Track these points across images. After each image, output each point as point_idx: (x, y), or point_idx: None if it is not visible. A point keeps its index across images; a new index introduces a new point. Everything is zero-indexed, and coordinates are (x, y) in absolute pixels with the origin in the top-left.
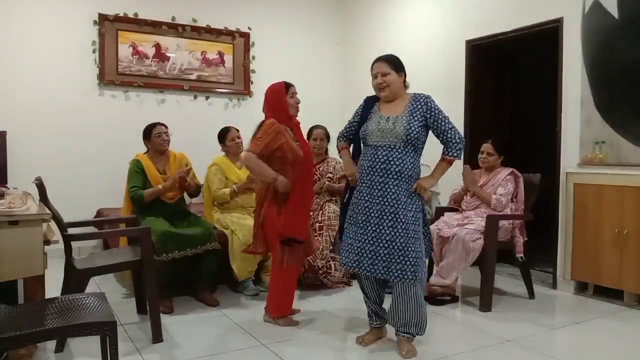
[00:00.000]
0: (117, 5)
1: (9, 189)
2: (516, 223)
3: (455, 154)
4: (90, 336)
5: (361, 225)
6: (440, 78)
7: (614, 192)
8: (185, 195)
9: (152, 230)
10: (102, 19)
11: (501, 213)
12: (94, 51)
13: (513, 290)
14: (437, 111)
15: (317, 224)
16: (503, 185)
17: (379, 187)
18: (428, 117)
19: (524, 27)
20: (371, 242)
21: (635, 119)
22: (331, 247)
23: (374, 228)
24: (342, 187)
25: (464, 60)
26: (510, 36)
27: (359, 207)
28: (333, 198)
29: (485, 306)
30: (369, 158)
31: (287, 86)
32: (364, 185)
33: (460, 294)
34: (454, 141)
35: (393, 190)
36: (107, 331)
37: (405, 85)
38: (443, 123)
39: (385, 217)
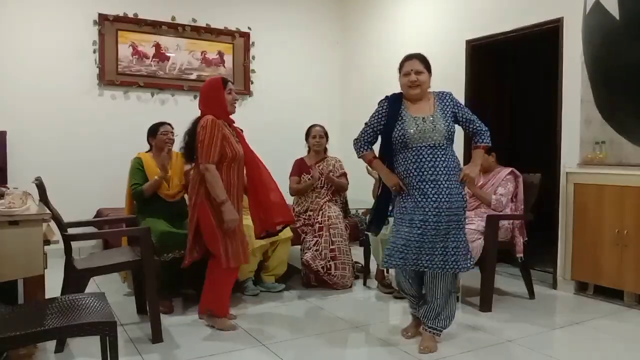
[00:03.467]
0: (117, 5)
1: (9, 189)
2: (516, 223)
3: (488, 140)
4: (90, 336)
5: (419, 225)
6: (440, 78)
7: (614, 192)
8: (186, 195)
9: (152, 230)
10: (102, 19)
11: (501, 213)
12: (94, 51)
13: (513, 290)
14: (462, 105)
15: (317, 225)
16: (503, 185)
17: (440, 185)
18: (457, 112)
19: (524, 27)
20: (439, 239)
21: (637, 118)
22: (331, 248)
23: (445, 225)
24: (341, 181)
25: (464, 60)
26: (510, 36)
27: (417, 210)
28: (333, 198)
29: (486, 306)
30: (413, 160)
31: (225, 82)
32: (414, 188)
33: (460, 294)
34: (483, 129)
35: (448, 185)
36: (107, 331)
37: None
38: (469, 115)
39: (454, 213)
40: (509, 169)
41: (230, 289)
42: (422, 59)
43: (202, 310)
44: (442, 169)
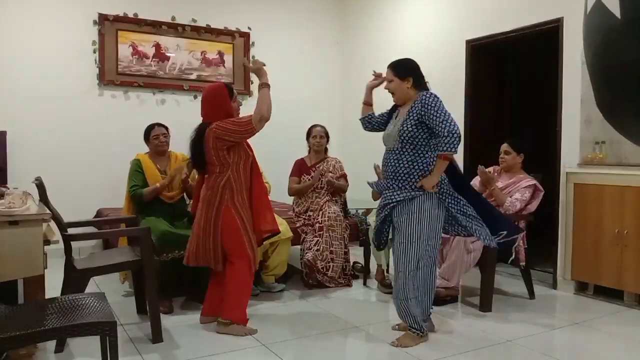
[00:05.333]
0: (117, 5)
1: (9, 189)
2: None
3: (445, 149)
4: (90, 336)
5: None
6: (440, 78)
7: (614, 192)
8: (185, 195)
9: (152, 230)
10: (102, 19)
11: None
12: (94, 51)
13: (513, 290)
14: (429, 107)
15: (317, 225)
16: (521, 193)
17: (387, 188)
18: (422, 113)
19: (524, 27)
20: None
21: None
22: (331, 248)
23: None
24: (342, 184)
25: (464, 60)
26: (510, 36)
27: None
28: (333, 198)
29: (486, 306)
30: (383, 162)
31: (230, 90)
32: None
33: (460, 294)
34: (442, 135)
35: (388, 193)
36: (107, 331)
37: (423, 87)
38: (433, 118)
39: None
40: (533, 182)
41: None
42: (393, 67)
43: (226, 316)
44: (390, 174)
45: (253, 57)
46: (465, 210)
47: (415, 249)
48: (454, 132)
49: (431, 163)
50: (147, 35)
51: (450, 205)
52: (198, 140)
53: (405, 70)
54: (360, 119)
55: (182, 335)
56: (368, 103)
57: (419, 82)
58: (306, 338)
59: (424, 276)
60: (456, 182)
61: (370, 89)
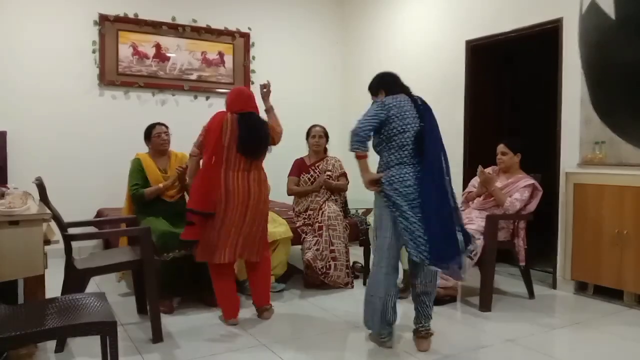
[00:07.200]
0: (117, 5)
1: (9, 189)
2: (520, 232)
3: (350, 146)
4: (90, 336)
5: None
6: (439, 78)
7: (614, 192)
8: (186, 195)
9: (152, 230)
10: (102, 19)
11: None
12: (94, 51)
13: (513, 290)
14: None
15: (317, 224)
16: (520, 192)
17: None
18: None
19: (523, 27)
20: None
21: (633, 119)
22: (331, 249)
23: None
24: (340, 184)
25: (464, 60)
26: (510, 36)
27: None
28: (332, 197)
29: (485, 306)
30: None
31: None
32: None
33: (460, 294)
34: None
35: None
36: (107, 331)
37: (389, 93)
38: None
39: None
40: (531, 181)
41: None
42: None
43: (267, 301)
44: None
45: (253, 57)
46: (404, 215)
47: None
48: (351, 131)
49: (382, 163)
50: (148, 36)
51: (397, 218)
52: (264, 126)
53: (371, 88)
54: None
55: (182, 335)
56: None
57: (377, 92)
58: (306, 338)
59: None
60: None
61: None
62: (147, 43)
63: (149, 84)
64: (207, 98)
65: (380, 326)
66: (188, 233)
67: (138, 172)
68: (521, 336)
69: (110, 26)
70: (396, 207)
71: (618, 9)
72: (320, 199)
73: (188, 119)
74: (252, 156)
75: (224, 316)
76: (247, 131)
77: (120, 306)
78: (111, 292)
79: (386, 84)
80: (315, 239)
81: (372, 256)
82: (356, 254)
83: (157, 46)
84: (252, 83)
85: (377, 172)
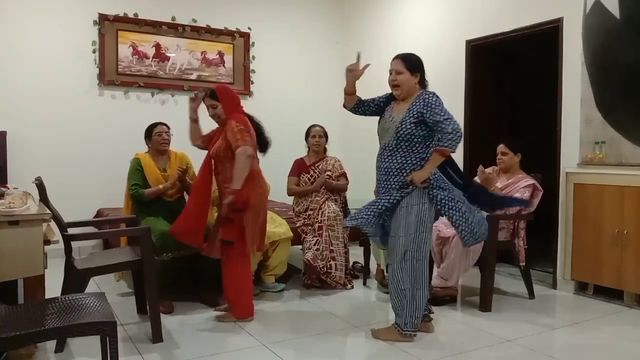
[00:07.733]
0: (117, 5)
1: (9, 189)
2: (520, 232)
3: (446, 144)
4: (90, 336)
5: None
6: (440, 78)
7: (614, 192)
8: (185, 195)
9: (152, 230)
10: (102, 19)
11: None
12: (94, 51)
13: (513, 290)
14: (432, 105)
15: (317, 224)
16: (521, 192)
17: (380, 185)
18: (424, 112)
19: (524, 27)
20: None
21: (635, 118)
22: (331, 249)
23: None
24: (340, 184)
25: (464, 60)
26: (510, 36)
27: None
28: (332, 197)
29: (485, 306)
30: (378, 159)
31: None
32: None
33: (460, 294)
34: (445, 131)
35: (385, 185)
36: (107, 331)
37: (424, 85)
38: (437, 115)
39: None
40: (532, 181)
41: None
42: (405, 59)
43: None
44: (383, 169)
45: (253, 57)
46: (457, 206)
47: (402, 241)
48: (457, 130)
49: (424, 159)
50: (147, 36)
51: (441, 201)
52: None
53: (416, 65)
54: (349, 109)
55: (182, 335)
56: (352, 93)
57: (423, 80)
58: (306, 338)
59: (412, 269)
60: (455, 178)
61: (354, 79)
62: (146, 43)
63: (148, 84)
64: None
65: (422, 316)
66: (229, 233)
67: (137, 172)
68: (521, 336)
69: (110, 26)
70: (447, 200)
71: (623, 8)
72: (320, 199)
73: (188, 119)
74: (265, 152)
75: (243, 314)
76: (262, 131)
77: (120, 306)
78: (111, 292)
79: (423, 72)
80: (315, 239)
81: (372, 256)
82: (356, 254)
83: (157, 46)
84: (252, 83)
85: (407, 165)
